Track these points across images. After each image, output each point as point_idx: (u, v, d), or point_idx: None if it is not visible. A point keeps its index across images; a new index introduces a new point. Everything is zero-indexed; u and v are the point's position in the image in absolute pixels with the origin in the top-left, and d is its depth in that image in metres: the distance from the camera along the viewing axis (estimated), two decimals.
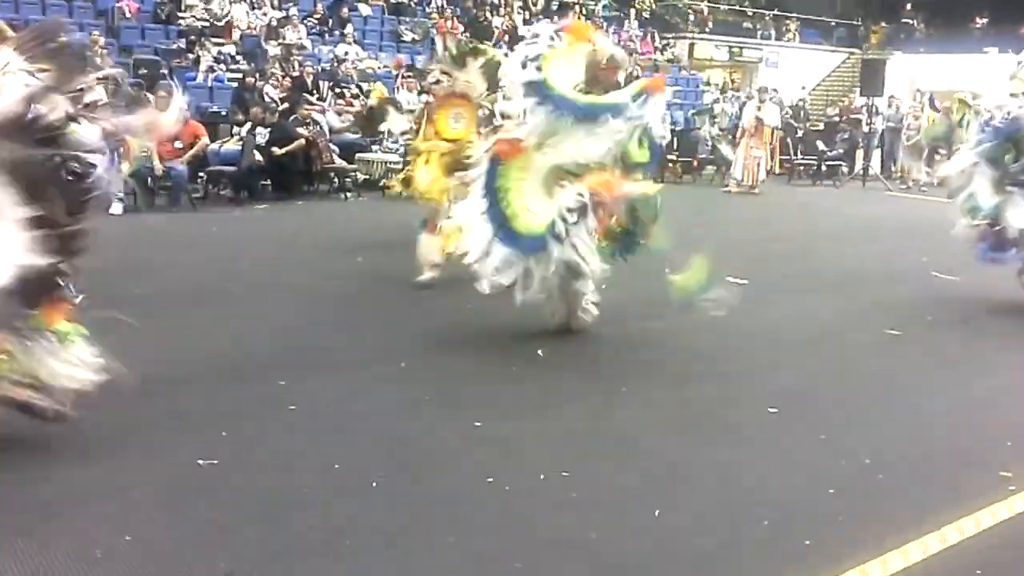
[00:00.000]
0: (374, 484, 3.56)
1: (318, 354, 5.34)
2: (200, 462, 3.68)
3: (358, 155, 12.81)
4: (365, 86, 14.83)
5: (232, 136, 12.53)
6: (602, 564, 3.07)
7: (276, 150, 12.08)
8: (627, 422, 4.40)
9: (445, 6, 20.56)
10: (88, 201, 3.64)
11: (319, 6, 18.44)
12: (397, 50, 18.24)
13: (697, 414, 4.57)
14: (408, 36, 18.93)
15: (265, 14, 17.34)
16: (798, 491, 3.69)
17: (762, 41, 26.30)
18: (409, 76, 13.21)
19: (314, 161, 12.65)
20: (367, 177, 12.72)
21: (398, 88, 13.51)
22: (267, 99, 13.48)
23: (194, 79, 14.93)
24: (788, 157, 18.22)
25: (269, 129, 12.35)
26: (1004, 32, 23.42)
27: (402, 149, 10.37)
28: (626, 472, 3.82)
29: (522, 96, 5.24)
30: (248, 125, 12.41)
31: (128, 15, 16.27)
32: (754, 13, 27.67)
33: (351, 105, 14.43)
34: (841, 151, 18.26)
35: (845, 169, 18.33)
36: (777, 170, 17.74)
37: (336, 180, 13.15)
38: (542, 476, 3.68)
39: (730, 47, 25.76)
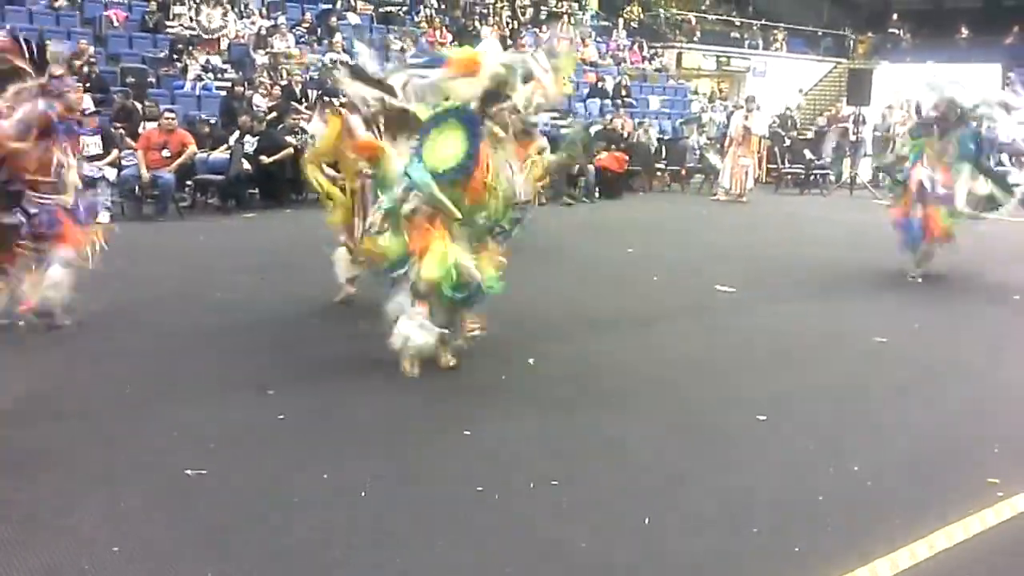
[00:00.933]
0: (363, 493, 3.55)
1: (307, 364, 5.32)
2: (188, 472, 3.66)
3: None
4: None
5: (221, 145, 12.49)
6: (590, 569, 3.06)
7: (264, 159, 12.06)
8: (617, 429, 4.40)
9: (434, 15, 20.59)
10: None
11: (308, 15, 18.45)
12: (386, 59, 18.21)
13: (686, 422, 4.57)
14: (397, 45, 18.93)
15: (254, 23, 17.33)
16: (787, 498, 3.69)
17: (750, 51, 26.42)
18: None
19: (302, 170, 12.60)
20: None
21: None
22: (255, 108, 13.46)
23: (182, 87, 14.91)
24: (776, 166, 18.29)
25: (257, 138, 12.33)
26: (988, 43, 23.64)
27: None
28: (616, 479, 3.81)
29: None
30: (236, 134, 12.39)
31: (116, 24, 16.23)
32: (742, 23, 27.82)
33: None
34: (828, 160, 18.34)
35: (832, 178, 18.41)
36: (765, 179, 17.81)
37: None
38: (532, 484, 3.68)
39: (718, 57, 25.88)
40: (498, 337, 5.52)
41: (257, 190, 12.49)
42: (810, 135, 19.61)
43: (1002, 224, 9.37)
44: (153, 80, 14.89)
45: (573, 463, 3.95)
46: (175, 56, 15.52)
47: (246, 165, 11.94)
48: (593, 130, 16.67)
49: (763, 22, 27.55)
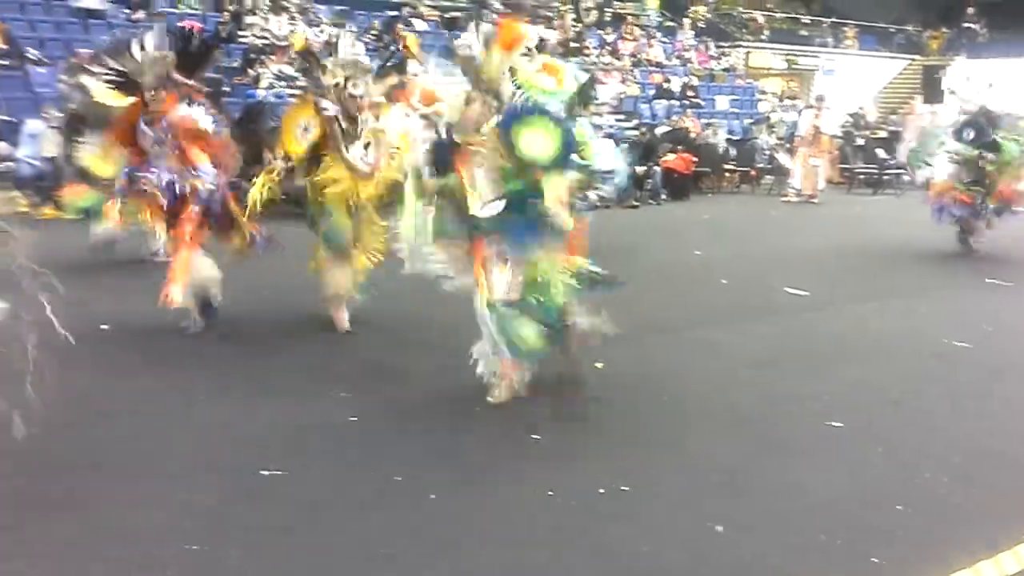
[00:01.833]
0: (433, 496, 3.58)
1: (379, 368, 5.39)
2: (264, 472, 3.75)
3: None
4: None
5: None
6: (653, 572, 3.06)
7: None
8: (682, 433, 4.37)
9: (499, 20, 20.67)
10: None
11: (375, 23, 18.69)
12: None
13: (753, 426, 4.51)
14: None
15: (323, 31, 17.61)
16: (857, 505, 3.62)
17: (819, 49, 25.93)
18: None
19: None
20: None
21: None
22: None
23: (255, 96, 15.24)
24: (848, 166, 17.92)
25: None
26: None
27: None
28: (680, 483, 3.79)
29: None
30: None
31: None
32: (811, 20, 27.32)
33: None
34: (902, 159, 17.89)
35: (907, 178, 17.96)
36: (836, 179, 17.46)
37: None
38: (601, 489, 3.67)
39: (787, 55, 25.45)
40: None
41: None
42: (883, 134, 19.16)
43: None
44: (227, 89, 15.25)
45: (639, 467, 3.94)
46: (248, 65, 15.88)
47: None
48: (659, 131, 16.60)
49: (833, 19, 27.01)
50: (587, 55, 19.86)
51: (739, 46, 24.72)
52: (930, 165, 9.88)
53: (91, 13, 16.06)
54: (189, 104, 5.75)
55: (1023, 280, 7.91)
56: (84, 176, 6.15)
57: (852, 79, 24.15)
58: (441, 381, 5.06)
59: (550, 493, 3.61)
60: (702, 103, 19.96)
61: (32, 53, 14.27)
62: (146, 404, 4.62)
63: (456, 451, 4.11)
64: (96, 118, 5.77)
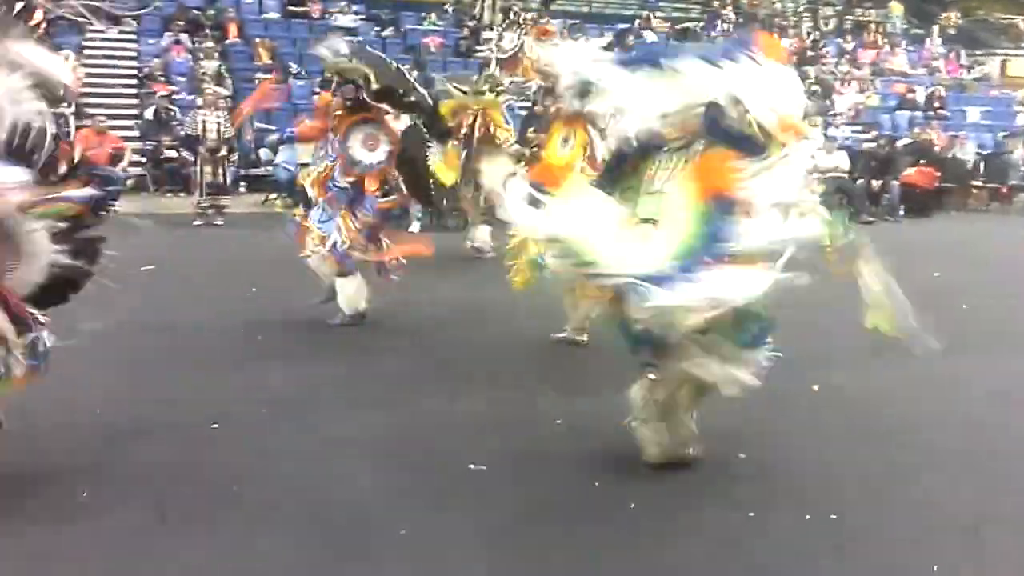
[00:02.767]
0: (632, 505, 3.65)
1: (585, 370, 5.52)
2: (471, 466, 3.97)
3: None
4: None
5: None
6: None
7: None
8: (904, 465, 4.16)
9: (732, 30, 20.34)
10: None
11: (605, 35, 18.94)
12: None
13: (986, 463, 4.20)
14: None
15: (555, 44, 18.07)
16: None
17: None
18: None
19: None
20: None
21: None
22: None
23: None
24: None
25: None
26: None
27: None
28: (901, 518, 3.62)
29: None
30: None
31: (433, 50, 17.66)
32: None
33: None
34: None
35: None
36: None
37: None
38: (807, 516, 3.61)
39: None
40: (779, 360, 5.41)
41: None
42: None
43: None
44: None
45: (853, 496, 3.81)
46: None
47: None
48: (900, 144, 15.73)
49: None
50: (824, 64, 19.15)
51: (994, 54, 22.88)
52: None
53: (346, 31, 17.40)
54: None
55: None
56: None
57: None
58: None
59: (751, 514, 3.60)
60: (949, 114, 18.69)
61: (293, 68, 15.69)
62: (365, 392, 5.02)
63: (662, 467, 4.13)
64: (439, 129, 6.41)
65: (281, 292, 7.08)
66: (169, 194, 13.37)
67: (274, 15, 18.01)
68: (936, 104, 18.58)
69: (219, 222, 11.58)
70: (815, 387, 5.21)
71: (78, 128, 13.37)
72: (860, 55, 20.41)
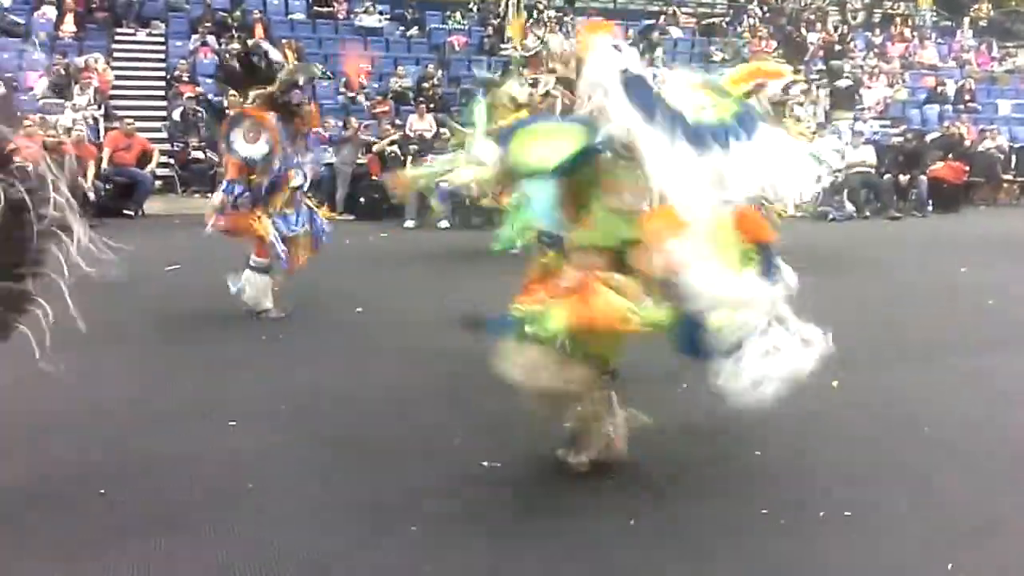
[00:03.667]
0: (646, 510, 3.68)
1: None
2: (484, 463, 4.00)
3: None
4: None
5: None
6: None
7: None
8: (924, 466, 4.13)
9: (758, 24, 20.20)
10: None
11: (630, 31, 18.88)
12: (706, 72, 18.20)
13: (1008, 466, 4.17)
14: (718, 56, 18.84)
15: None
16: None
17: None
18: None
19: None
20: None
21: None
22: None
23: None
24: None
25: None
26: None
27: None
28: (917, 518, 3.61)
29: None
30: None
31: (457, 48, 17.72)
32: None
33: None
34: None
35: None
36: None
37: None
38: (822, 513, 3.60)
39: None
40: None
41: None
42: None
43: None
44: None
45: (871, 497, 3.77)
46: (505, 76, 16.63)
47: None
48: (929, 138, 15.55)
49: None
50: (852, 58, 18.98)
51: None
52: None
53: (370, 31, 17.54)
54: None
55: None
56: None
57: None
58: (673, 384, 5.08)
59: (764, 512, 3.59)
60: (979, 108, 18.46)
61: (318, 67, 15.80)
62: (379, 393, 5.07)
63: (672, 454, 4.14)
64: None
65: (305, 292, 7.13)
66: (196, 195, 13.53)
67: (300, 16, 18.17)
68: (966, 97, 18.36)
69: None
70: (835, 383, 5.16)
71: (107, 130, 13.59)
72: (889, 49, 20.19)
